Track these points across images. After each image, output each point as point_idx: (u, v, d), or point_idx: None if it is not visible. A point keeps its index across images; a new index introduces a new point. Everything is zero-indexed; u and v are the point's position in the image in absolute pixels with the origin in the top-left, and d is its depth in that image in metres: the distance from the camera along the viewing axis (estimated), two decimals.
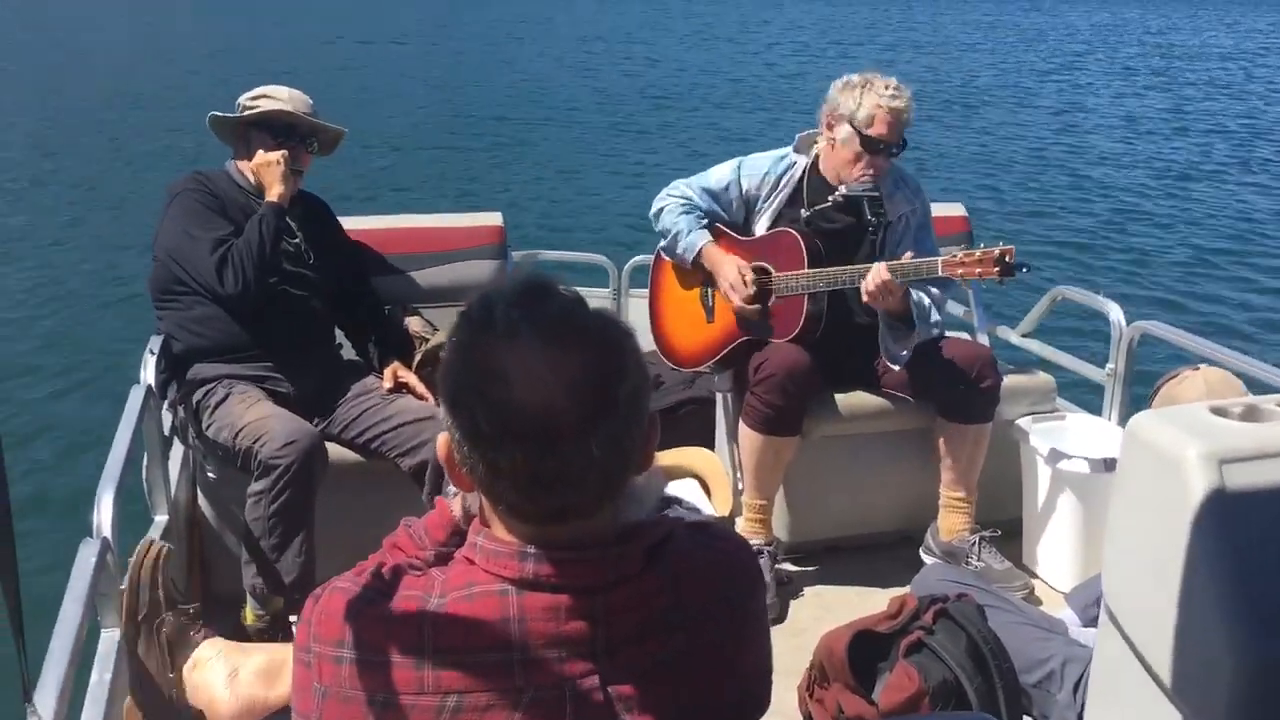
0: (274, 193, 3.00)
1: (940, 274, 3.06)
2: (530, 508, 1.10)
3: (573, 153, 13.95)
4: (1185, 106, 17.69)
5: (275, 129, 3.07)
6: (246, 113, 3.08)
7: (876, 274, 3.04)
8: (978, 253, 3.03)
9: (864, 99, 3.20)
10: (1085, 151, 14.27)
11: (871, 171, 3.23)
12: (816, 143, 3.37)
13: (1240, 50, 24.46)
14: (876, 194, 3.29)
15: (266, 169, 3.02)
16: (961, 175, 12.64)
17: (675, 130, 15.44)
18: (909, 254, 3.10)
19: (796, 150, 3.39)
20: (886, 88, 3.21)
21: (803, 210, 3.32)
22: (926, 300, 3.26)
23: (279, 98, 3.09)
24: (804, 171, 3.35)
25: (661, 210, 3.41)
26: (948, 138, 14.76)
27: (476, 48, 24.60)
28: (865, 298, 3.09)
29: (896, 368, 3.23)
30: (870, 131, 3.20)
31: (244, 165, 3.11)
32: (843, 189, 3.26)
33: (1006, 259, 3.00)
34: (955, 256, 3.05)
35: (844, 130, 3.24)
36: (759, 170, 3.37)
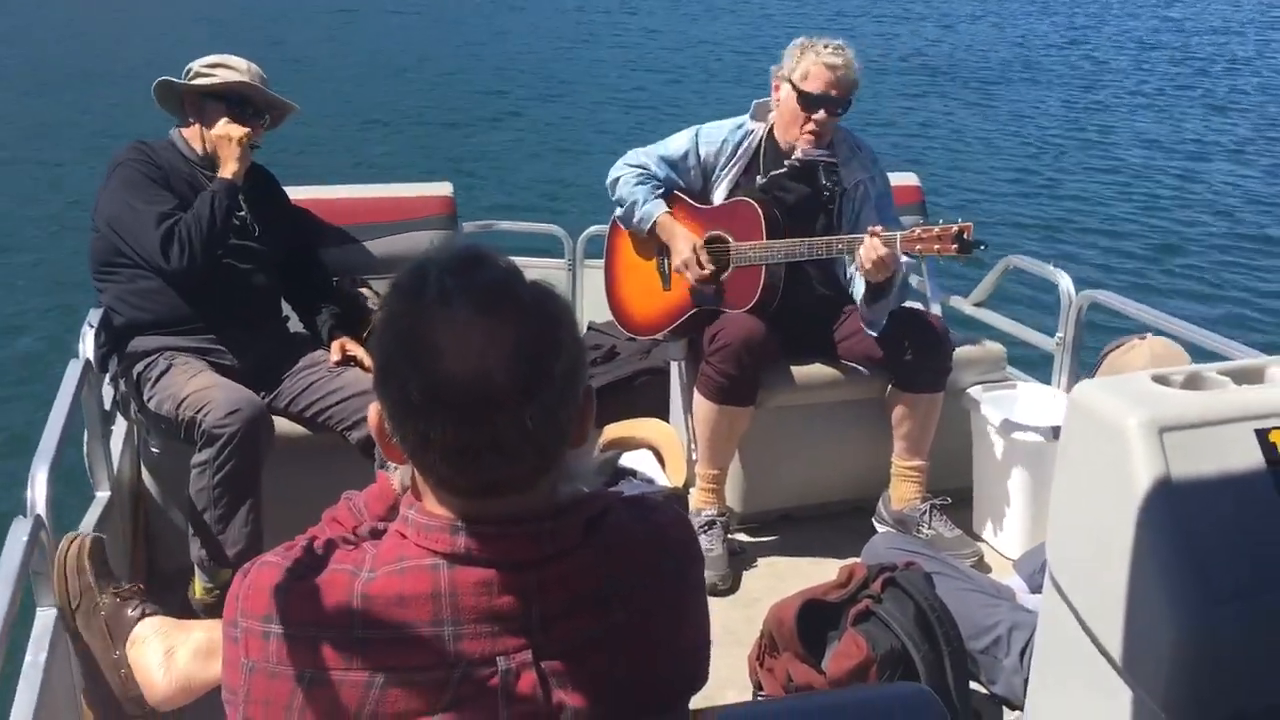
0: (229, 170, 2.93)
1: (898, 250, 3.06)
2: (461, 481, 1.09)
3: (527, 122, 13.82)
4: (1149, 79, 17.84)
5: (232, 102, 3.00)
6: (200, 80, 2.99)
7: (873, 247, 3.02)
8: (936, 229, 3.02)
9: (803, 58, 3.21)
10: (1045, 124, 14.37)
11: (812, 129, 3.23)
12: (772, 110, 3.36)
13: (1234, 22, 24.74)
14: (833, 160, 3.28)
15: (226, 144, 2.94)
16: (919, 145, 12.68)
17: (633, 101, 15.33)
18: (879, 227, 3.08)
19: (754, 118, 3.38)
20: (826, 47, 3.21)
21: (759, 177, 3.31)
22: (904, 268, 3.25)
23: (238, 69, 3.00)
24: (761, 139, 3.34)
25: (618, 179, 3.39)
26: (911, 108, 14.79)
27: (430, 16, 24.28)
28: (864, 269, 3.07)
29: (874, 334, 3.22)
30: (805, 86, 3.20)
31: (190, 134, 3.03)
32: (798, 154, 3.26)
33: (965, 236, 2.99)
34: (914, 232, 3.04)
35: (785, 89, 3.25)
36: (716, 138, 3.36)
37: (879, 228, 3.06)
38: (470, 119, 13.97)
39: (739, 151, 3.34)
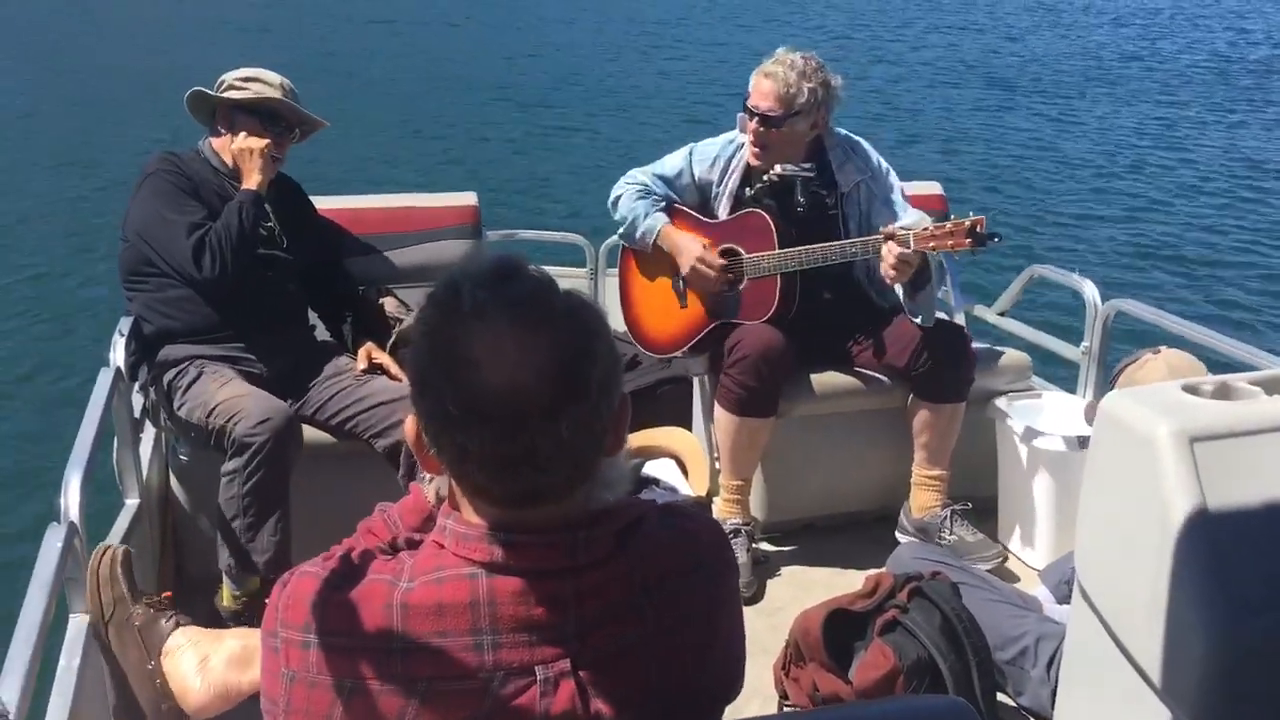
0: (254, 180, 2.96)
1: (912, 248, 3.05)
2: (498, 490, 1.09)
3: (549, 132, 13.86)
4: (1181, 91, 17.78)
5: (263, 116, 3.02)
6: (233, 93, 3.02)
7: (889, 251, 3.02)
8: (949, 225, 3.00)
9: (758, 69, 3.25)
10: (1069, 131, 14.32)
11: (749, 139, 3.25)
12: None
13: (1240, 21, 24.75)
14: (812, 174, 3.28)
15: (248, 156, 2.97)
16: (946, 153, 12.66)
17: (663, 111, 15.33)
18: (892, 227, 3.07)
19: (741, 131, 3.39)
20: (773, 60, 3.23)
21: (747, 190, 3.32)
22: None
23: (271, 84, 3.03)
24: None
25: (619, 198, 3.42)
26: (939, 117, 14.76)
27: (454, 28, 24.40)
28: (889, 277, 3.08)
29: (925, 325, 3.19)
30: (749, 98, 3.23)
31: (219, 145, 3.06)
32: (778, 168, 3.26)
33: (978, 229, 2.98)
34: (927, 230, 3.04)
35: None
36: (709, 155, 3.38)
37: (892, 227, 3.05)
38: (498, 128, 14.04)
39: (731, 166, 3.36)
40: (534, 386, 1.04)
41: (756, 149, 3.25)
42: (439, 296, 1.10)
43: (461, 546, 1.11)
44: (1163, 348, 2.68)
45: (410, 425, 1.14)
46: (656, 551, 1.16)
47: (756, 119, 3.20)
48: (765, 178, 3.28)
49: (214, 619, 2.77)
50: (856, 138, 3.43)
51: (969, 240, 2.96)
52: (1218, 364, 2.84)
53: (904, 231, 3.03)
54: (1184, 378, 2.48)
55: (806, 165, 3.27)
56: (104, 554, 2.12)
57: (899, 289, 3.20)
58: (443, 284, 1.11)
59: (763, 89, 3.19)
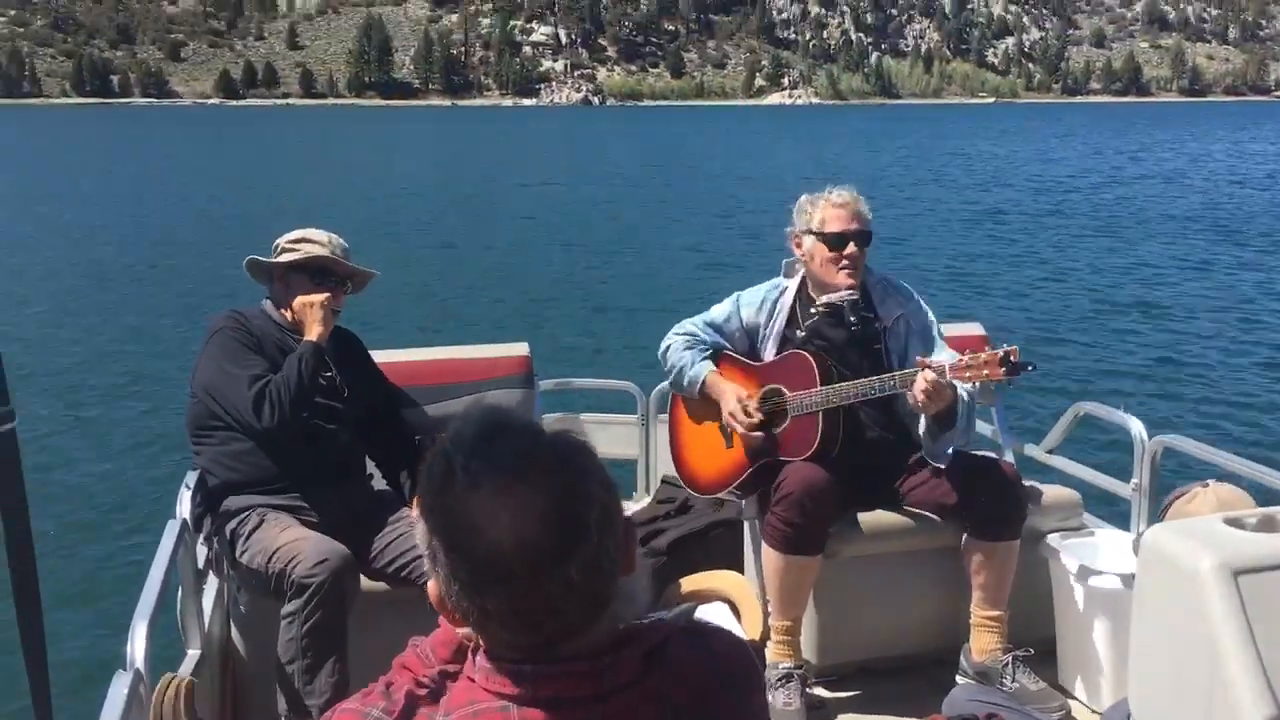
0: (314, 333, 3.10)
1: (948, 377, 3.10)
2: (524, 640, 1.14)
3: (599, 280, 14.19)
4: (1220, 217, 17.84)
5: (314, 273, 3.19)
6: (285, 255, 3.20)
7: (923, 378, 3.07)
8: (983, 355, 3.05)
9: (814, 208, 3.39)
10: (1112, 269, 14.37)
11: (846, 265, 3.34)
12: (799, 267, 3.49)
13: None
14: (855, 297, 3.37)
15: (308, 309, 3.12)
16: (985, 293, 12.74)
17: (701, 257, 15.65)
18: (927, 358, 3.14)
19: (786, 276, 3.52)
20: (830, 192, 3.41)
21: (799, 331, 3.41)
22: (966, 396, 3.26)
23: (320, 242, 3.21)
24: (795, 294, 3.47)
25: (668, 349, 3.55)
26: (974, 256, 14.91)
27: (500, 180, 25.21)
28: (918, 402, 3.12)
29: (940, 465, 3.23)
30: (827, 229, 3.34)
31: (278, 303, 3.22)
32: (824, 298, 3.36)
33: (1012, 359, 3.02)
34: (962, 360, 3.08)
35: (809, 241, 3.39)
36: (755, 300, 3.51)
37: (928, 359, 3.11)
38: (550, 279, 14.39)
39: (778, 309, 3.47)
40: (537, 540, 1.09)
41: (853, 269, 3.35)
42: (433, 471, 1.15)
43: (492, 681, 1.15)
44: (1211, 481, 2.68)
45: (433, 589, 1.19)
46: (684, 673, 1.19)
47: (853, 240, 3.33)
48: (814, 309, 3.39)
49: None
50: (893, 275, 3.54)
51: (1003, 370, 3.01)
52: (1265, 497, 2.82)
53: (938, 362, 3.09)
54: (1232, 510, 2.48)
55: (850, 293, 3.37)
56: (169, 685, 2.16)
57: (921, 424, 3.24)
58: (434, 459, 1.16)
59: (842, 215, 3.35)
